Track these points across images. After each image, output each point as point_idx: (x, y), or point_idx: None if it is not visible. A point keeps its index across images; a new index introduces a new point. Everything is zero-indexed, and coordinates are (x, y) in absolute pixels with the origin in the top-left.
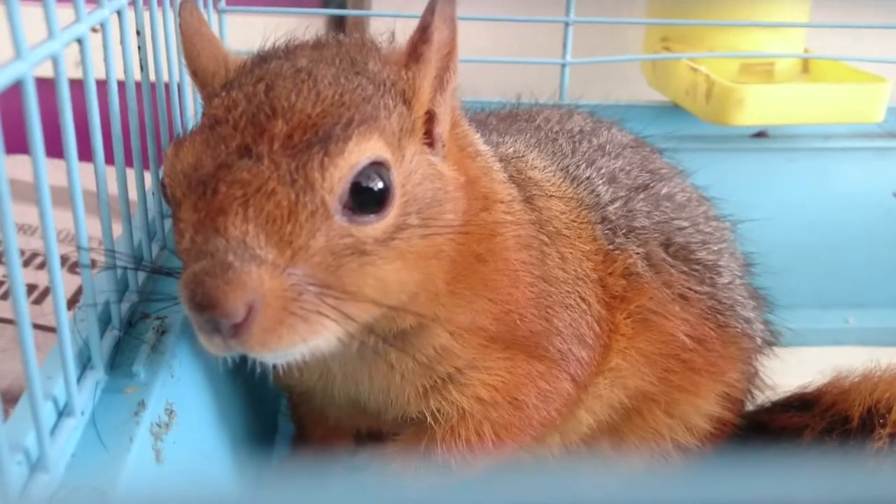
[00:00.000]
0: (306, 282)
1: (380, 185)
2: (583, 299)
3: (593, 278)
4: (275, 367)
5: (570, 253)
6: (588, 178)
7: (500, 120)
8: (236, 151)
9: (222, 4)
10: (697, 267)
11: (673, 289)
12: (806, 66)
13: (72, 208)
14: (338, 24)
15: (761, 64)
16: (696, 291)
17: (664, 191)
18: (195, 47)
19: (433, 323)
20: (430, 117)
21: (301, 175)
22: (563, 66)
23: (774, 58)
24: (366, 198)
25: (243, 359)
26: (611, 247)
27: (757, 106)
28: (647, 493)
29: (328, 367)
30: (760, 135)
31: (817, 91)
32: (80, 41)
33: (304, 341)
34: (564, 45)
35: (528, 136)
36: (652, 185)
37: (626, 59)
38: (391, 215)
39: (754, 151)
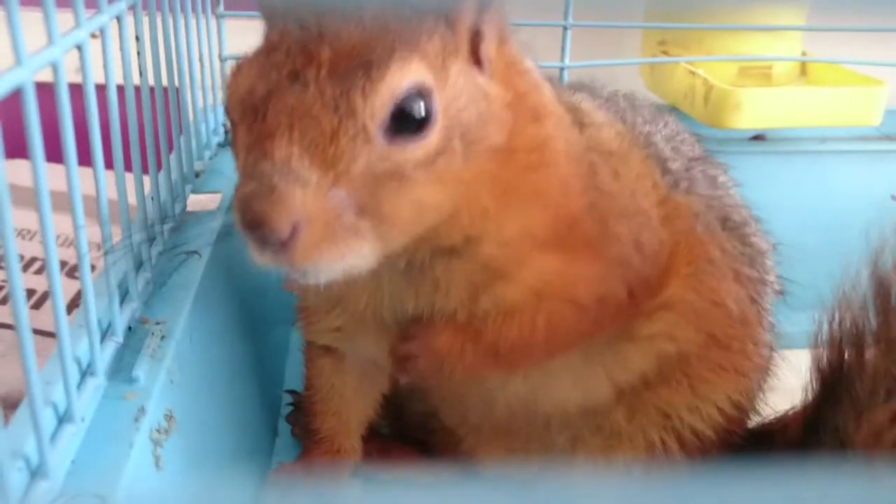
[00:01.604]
0: (347, 202)
1: (421, 109)
2: (642, 211)
3: (652, 198)
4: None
5: (625, 170)
6: (647, 132)
7: (559, 85)
8: (287, 77)
9: (220, 9)
10: (750, 250)
11: (727, 258)
12: (803, 70)
13: (71, 212)
14: None
15: (759, 67)
16: (747, 272)
17: (720, 178)
18: None
19: (482, 237)
20: (476, 36)
21: (344, 101)
22: (562, 69)
23: (772, 61)
24: (407, 122)
25: (247, 359)
26: (672, 193)
27: (754, 109)
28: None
29: (377, 286)
30: (758, 138)
31: (815, 94)
32: (79, 47)
33: (342, 258)
34: (563, 49)
35: (584, 92)
36: (709, 165)
37: (624, 63)
38: (432, 139)
39: (752, 154)
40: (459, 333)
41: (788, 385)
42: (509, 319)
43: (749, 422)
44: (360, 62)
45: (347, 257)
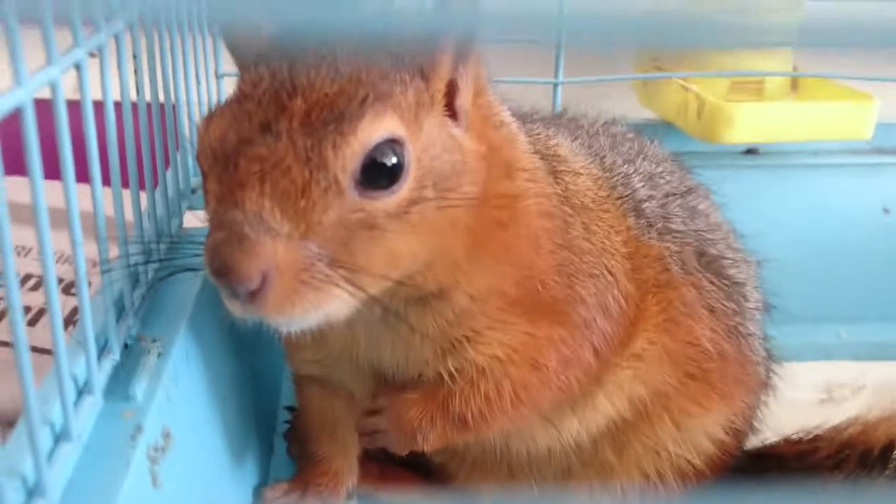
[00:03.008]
0: (319, 254)
1: (393, 161)
2: (609, 272)
3: (622, 253)
4: (297, 340)
5: (597, 226)
6: (624, 172)
7: (543, 118)
8: (258, 127)
9: (220, 69)
10: (727, 283)
11: (702, 295)
12: (795, 85)
13: (68, 229)
14: None
15: (751, 83)
16: (724, 305)
17: (700, 206)
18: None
19: (453, 287)
20: (452, 88)
21: (315, 153)
22: (556, 85)
23: (764, 76)
24: (378, 174)
25: (244, 376)
26: (645, 237)
27: (747, 123)
28: None
29: (353, 332)
30: (751, 152)
31: (806, 109)
32: (77, 66)
33: (315, 309)
34: (556, 66)
35: (567, 130)
36: (688, 195)
37: (617, 79)
38: (404, 190)
39: (745, 168)
40: (429, 405)
41: (787, 397)
42: (476, 387)
43: (746, 441)
44: (332, 114)
45: (321, 307)
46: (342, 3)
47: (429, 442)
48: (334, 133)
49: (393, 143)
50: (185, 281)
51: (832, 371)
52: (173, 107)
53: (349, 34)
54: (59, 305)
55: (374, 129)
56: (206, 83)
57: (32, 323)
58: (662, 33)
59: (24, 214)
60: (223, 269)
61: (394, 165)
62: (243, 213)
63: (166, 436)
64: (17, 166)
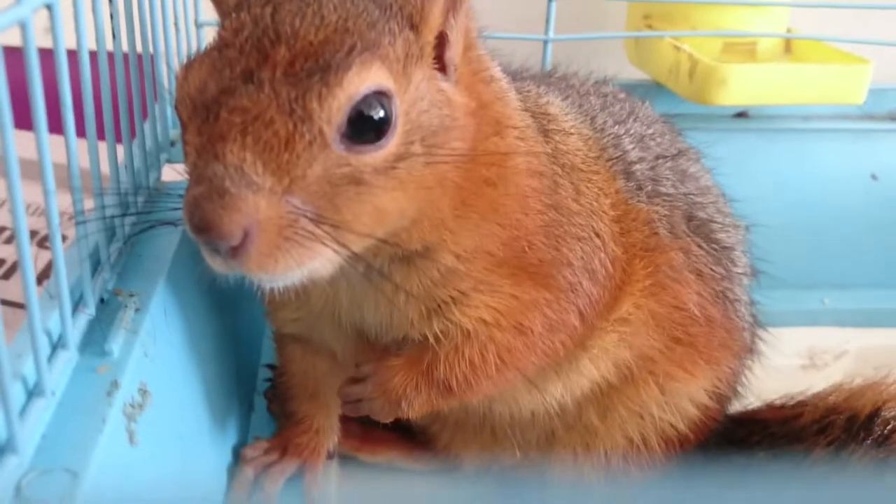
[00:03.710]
0: (303, 209)
1: (380, 114)
2: (597, 234)
3: (611, 216)
4: (279, 297)
5: (586, 187)
6: (615, 133)
7: (534, 76)
8: (240, 76)
9: (200, 18)
10: (715, 247)
11: (690, 260)
12: (788, 47)
13: (41, 180)
14: None
15: (743, 44)
16: (712, 270)
17: (690, 169)
18: None
19: (439, 246)
20: (442, 41)
21: (300, 105)
22: (546, 42)
23: (757, 37)
24: (365, 127)
25: (223, 334)
26: (634, 199)
27: (740, 85)
28: None
29: (335, 290)
30: (741, 115)
31: (800, 71)
32: (49, 7)
33: (299, 266)
34: (547, 22)
35: (557, 89)
36: (679, 158)
37: (608, 37)
38: (392, 144)
39: (735, 132)
40: (413, 371)
41: (770, 362)
42: (460, 352)
43: (730, 406)
44: (317, 64)
45: (304, 264)
46: None
47: (413, 409)
48: (319, 84)
49: (380, 96)
50: (163, 235)
51: (815, 337)
52: (151, 56)
53: None
54: (32, 258)
55: (361, 80)
56: (186, 32)
57: (6, 277)
58: None
59: None
60: (203, 225)
61: (381, 119)
62: (224, 166)
63: (143, 392)
64: None
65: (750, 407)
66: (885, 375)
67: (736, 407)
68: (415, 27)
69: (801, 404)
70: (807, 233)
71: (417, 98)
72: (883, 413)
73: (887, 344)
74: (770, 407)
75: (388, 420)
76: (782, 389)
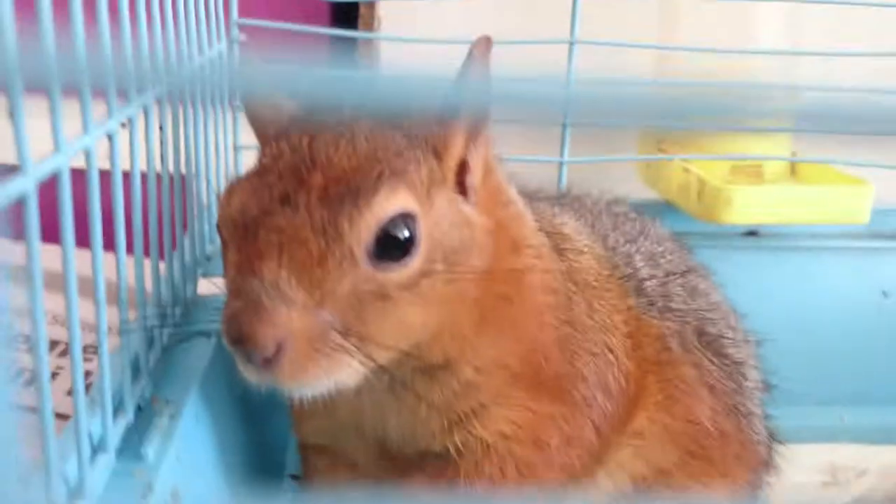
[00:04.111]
0: (333, 322)
1: (405, 234)
2: (610, 350)
3: (623, 331)
4: (307, 407)
5: (599, 304)
6: (626, 251)
7: (549, 197)
8: (278, 199)
9: (239, 142)
10: (727, 362)
11: (702, 374)
12: (794, 169)
13: (94, 292)
14: (347, 43)
15: (751, 166)
16: (723, 384)
17: (700, 286)
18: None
19: (459, 359)
20: (463, 168)
21: (332, 225)
22: (561, 164)
23: (763, 160)
24: (391, 246)
25: (250, 442)
26: (646, 315)
27: (745, 205)
28: None
29: (360, 401)
30: (751, 233)
31: (803, 192)
32: (110, 136)
33: (327, 376)
34: (562, 144)
35: (571, 209)
36: (689, 275)
37: (621, 159)
38: (416, 262)
39: (745, 249)
40: (433, 481)
41: (791, 479)
42: (480, 468)
43: None
44: (349, 188)
45: (333, 374)
46: (358, 81)
47: None
48: (350, 207)
49: (406, 218)
50: (198, 346)
51: (835, 454)
52: (193, 177)
53: (365, 111)
54: (82, 367)
55: (389, 203)
56: (225, 155)
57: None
58: (665, 114)
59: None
60: (240, 337)
61: (406, 239)
62: (261, 282)
63: (175, 495)
64: (46, 234)
65: None
66: None
67: None
68: (438, 155)
69: None
70: (821, 350)
71: (440, 219)
72: None
73: None
74: None
75: None
76: None
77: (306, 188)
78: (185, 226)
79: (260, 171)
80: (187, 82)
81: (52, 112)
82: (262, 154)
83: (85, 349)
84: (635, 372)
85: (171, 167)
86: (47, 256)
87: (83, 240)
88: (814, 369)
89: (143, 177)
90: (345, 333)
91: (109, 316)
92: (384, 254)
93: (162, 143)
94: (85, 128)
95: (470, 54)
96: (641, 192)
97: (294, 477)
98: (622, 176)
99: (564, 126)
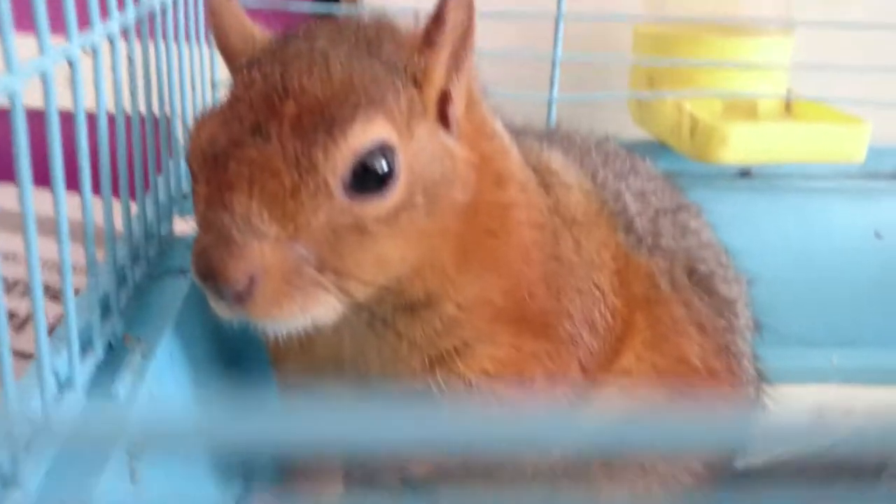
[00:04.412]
0: (307, 256)
1: (383, 166)
2: (597, 287)
3: (611, 268)
4: (283, 346)
5: (587, 240)
6: (616, 189)
7: (537, 134)
8: (249, 130)
9: (216, 77)
10: (717, 300)
11: (692, 312)
12: (789, 107)
13: (56, 230)
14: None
15: (745, 104)
16: (713, 323)
17: (691, 224)
18: (224, 25)
19: (441, 295)
20: (445, 98)
21: (305, 156)
22: (550, 102)
23: (758, 98)
24: (368, 178)
25: (229, 381)
26: (635, 252)
27: (740, 144)
28: None
29: (339, 339)
30: (744, 174)
31: (798, 130)
32: (70, 62)
33: (303, 312)
34: (552, 82)
35: (560, 145)
36: (679, 213)
37: (612, 97)
38: (394, 195)
39: (738, 190)
40: None
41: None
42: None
43: (736, 461)
44: (323, 118)
45: (308, 310)
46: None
47: (419, 467)
48: (325, 137)
49: (384, 149)
50: (172, 284)
51: (823, 395)
52: (167, 115)
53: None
54: (42, 304)
55: (365, 134)
56: (202, 91)
57: (19, 329)
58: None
59: (14, 221)
60: (209, 272)
61: (384, 171)
62: (231, 215)
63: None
64: (3, 173)
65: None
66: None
67: (742, 463)
68: (418, 85)
69: (808, 458)
70: (812, 291)
71: (420, 151)
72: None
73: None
74: (776, 461)
75: (397, 479)
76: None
77: (279, 118)
78: (158, 163)
79: (230, 102)
80: (157, 11)
81: (2, 30)
82: (234, 84)
83: (57, 294)
84: (623, 310)
85: (141, 102)
86: (7, 195)
87: (47, 179)
88: (805, 310)
89: (112, 113)
90: (321, 268)
91: (80, 257)
92: (361, 186)
93: (131, 76)
94: (42, 49)
95: None
96: (633, 130)
97: None
98: (613, 115)
99: (554, 63)
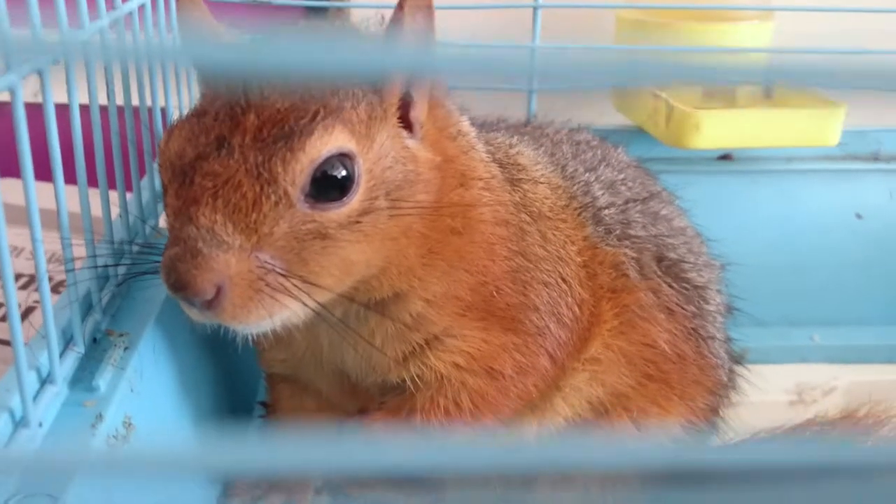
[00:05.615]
0: (273, 264)
1: (342, 174)
2: (563, 280)
3: (577, 262)
4: (261, 343)
5: (553, 234)
6: (585, 180)
7: (508, 127)
8: (214, 142)
9: None
10: (687, 286)
11: (660, 299)
12: (769, 94)
13: (28, 226)
14: (320, 14)
15: (724, 91)
16: (682, 308)
17: (662, 212)
18: (191, 26)
19: (409, 293)
20: (406, 101)
21: (265, 168)
22: (530, 91)
23: (735, 84)
24: (329, 186)
25: (217, 372)
26: (602, 244)
27: (714, 130)
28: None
29: (315, 335)
30: (725, 157)
31: (772, 116)
32: (40, 74)
33: (270, 316)
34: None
35: (532, 138)
36: (650, 201)
37: (590, 87)
38: (355, 201)
39: (719, 174)
40: (391, 418)
41: (758, 399)
42: (436, 402)
43: (709, 442)
44: (282, 130)
45: (275, 314)
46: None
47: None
48: (284, 149)
49: (343, 157)
50: (156, 279)
51: (804, 374)
52: (148, 108)
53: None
54: (15, 298)
55: (323, 144)
56: (188, 87)
57: (5, 318)
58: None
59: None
60: (178, 285)
61: (343, 178)
62: (196, 228)
63: (128, 425)
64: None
65: (731, 442)
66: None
67: (716, 443)
68: (378, 92)
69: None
70: (795, 271)
71: (381, 155)
72: None
73: (875, 380)
74: (751, 440)
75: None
76: (769, 425)
77: (241, 130)
78: (140, 158)
79: (198, 113)
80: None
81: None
82: (202, 96)
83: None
84: (589, 300)
85: (118, 99)
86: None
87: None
88: (787, 291)
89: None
90: (287, 275)
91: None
92: (322, 194)
93: (123, 75)
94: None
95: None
96: (614, 117)
97: (262, 404)
98: (595, 102)
99: (531, 66)
